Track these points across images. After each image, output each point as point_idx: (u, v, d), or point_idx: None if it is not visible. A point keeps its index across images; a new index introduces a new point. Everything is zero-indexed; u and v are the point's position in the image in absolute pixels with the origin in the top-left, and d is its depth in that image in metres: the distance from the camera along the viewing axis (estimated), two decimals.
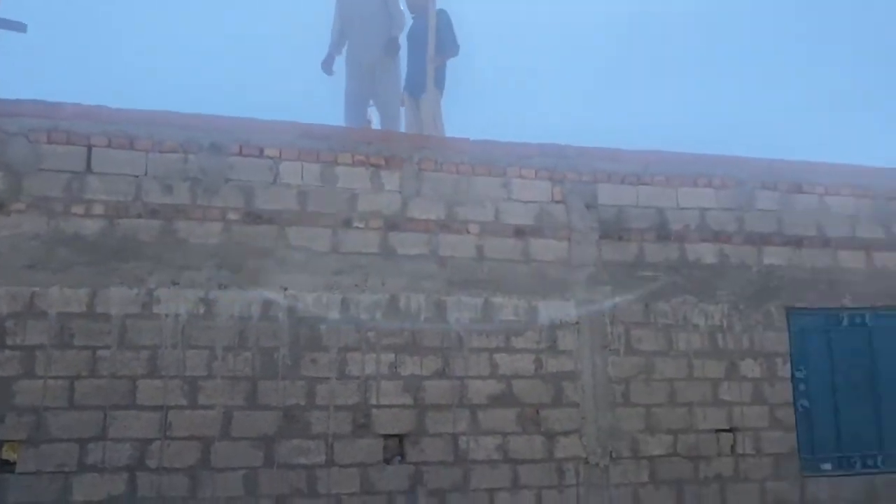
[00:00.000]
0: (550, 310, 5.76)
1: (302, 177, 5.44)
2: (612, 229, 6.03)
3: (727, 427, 5.87)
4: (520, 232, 5.84)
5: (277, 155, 5.42)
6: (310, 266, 5.31)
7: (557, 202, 5.98)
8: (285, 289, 5.23)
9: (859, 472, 6.14)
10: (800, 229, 6.39)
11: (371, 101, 7.85)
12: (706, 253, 6.13)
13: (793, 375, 6.13)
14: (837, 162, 6.72)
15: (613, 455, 5.62)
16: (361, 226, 5.48)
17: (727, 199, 6.28)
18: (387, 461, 5.21)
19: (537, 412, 5.54)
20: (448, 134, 7.07)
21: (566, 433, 5.56)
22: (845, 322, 6.42)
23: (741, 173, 6.37)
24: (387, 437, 5.23)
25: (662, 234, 6.10)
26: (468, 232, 5.72)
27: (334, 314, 5.28)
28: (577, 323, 5.78)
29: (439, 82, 7.34)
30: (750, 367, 6.01)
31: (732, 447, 5.85)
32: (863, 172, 6.81)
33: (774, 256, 6.29)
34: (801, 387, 6.17)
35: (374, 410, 5.24)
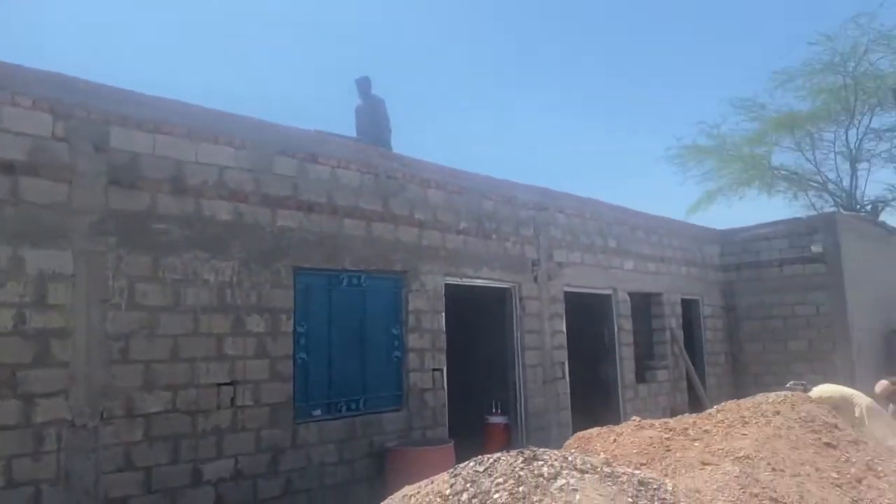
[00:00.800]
0: (41, 259, 5.13)
1: None
2: (124, 176, 5.63)
3: (229, 381, 6.04)
4: (8, 168, 5.05)
5: None
6: None
7: (59, 139, 5.34)
8: None
9: (344, 415, 6.95)
10: (312, 196, 6.90)
11: None
12: (222, 210, 6.18)
13: (295, 330, 6.60)
14: (346, 137, 7.45)
15: (105, 415, 5.29)
16: None
17: (247, 160, 6.42)
18: None
19: (13, 374, 4.89)
20: None
21: (49, 395, 5.03)
22: (345, 283, 7.17)
23: (262, 137, 6.57)
24: None
25: (179, 187, 5.93)
26: None
27: None
28: (73, 275, 5.26)
29: None
30: (256, 323, 6.27)
31: (233, 399, 6.04)
32: (365, 150, 7.68)
33: (288, 219, 6.67)
34: (302, 341, 6.70)
35: None
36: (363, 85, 9.47)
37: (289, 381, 6.47)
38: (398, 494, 3.83)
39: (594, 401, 10.37)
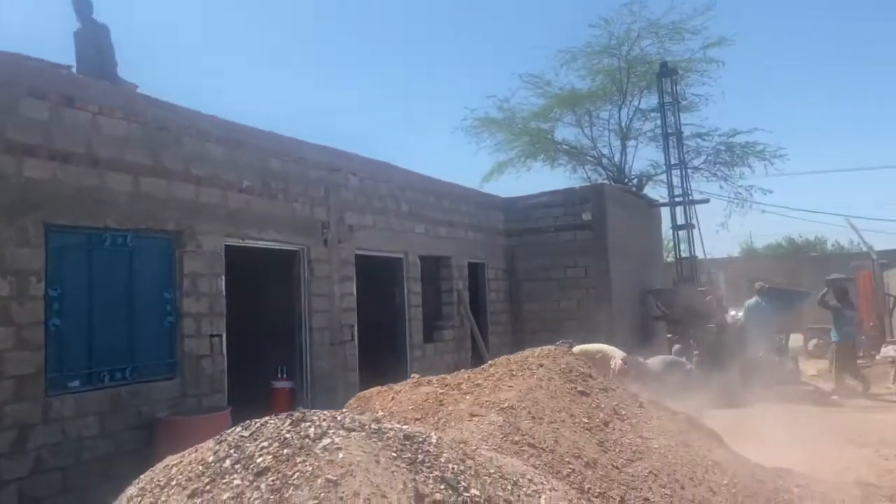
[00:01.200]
0: None
1: None
2: None
3: None
4: None
5: None
6: None
7: None
8: None
9: (107, 385, 6.38)
10: (69, 145, 6.16)
11: None
12: None
13: (46, 294, 5.90)
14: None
15: None
16: None
17: None
18: None
19: None
20: None
21: None
22: (108, 242, 6.53)
23: (4, 73, 5.73)
24: None
25: None
26: None
27: None
28: None
29: None
30: None
31: None
32: (135, 98, 7.01)
33: (37, 170, 5.90)
34: (56, 305, 6.01)
35: None
36: (82, 7, 8.00)
37: (39, 351, 5.79)
38: (160, 465, 3.58)
39: (384, 361, 10.52)
